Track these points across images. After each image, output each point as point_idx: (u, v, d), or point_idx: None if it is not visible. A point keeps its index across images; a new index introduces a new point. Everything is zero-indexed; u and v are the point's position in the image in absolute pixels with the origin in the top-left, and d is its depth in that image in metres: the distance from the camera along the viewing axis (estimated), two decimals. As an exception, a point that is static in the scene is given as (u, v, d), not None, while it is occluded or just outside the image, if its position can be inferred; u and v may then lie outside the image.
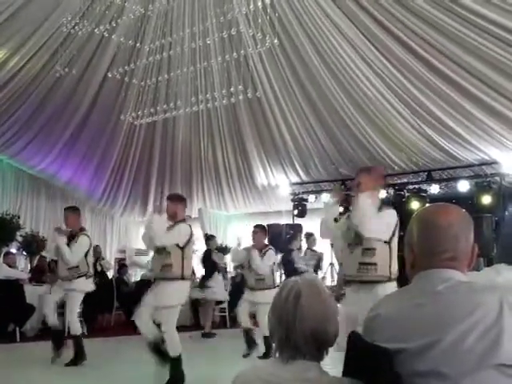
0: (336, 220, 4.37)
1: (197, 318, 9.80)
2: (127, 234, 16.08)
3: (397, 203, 10.06)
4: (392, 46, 8.25)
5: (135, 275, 12.75)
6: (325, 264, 10.25)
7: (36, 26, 8.99)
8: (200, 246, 10.03)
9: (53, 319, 6.48)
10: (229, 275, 11.16)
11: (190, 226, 5.56)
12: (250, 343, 7.06)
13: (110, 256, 14.43)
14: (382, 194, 9.78)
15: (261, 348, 6.99)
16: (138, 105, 10.34)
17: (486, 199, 9.76)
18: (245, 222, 13.12)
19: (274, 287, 7.05)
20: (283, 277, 9.61)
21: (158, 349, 5.37)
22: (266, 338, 6.84)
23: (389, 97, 9.18)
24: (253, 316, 10.15)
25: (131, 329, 9.48)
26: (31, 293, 8.32)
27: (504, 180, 9.87)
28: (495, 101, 8.19)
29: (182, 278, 5.36)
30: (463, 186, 10.28)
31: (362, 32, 8.33)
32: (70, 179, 13.85)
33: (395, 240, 4.12)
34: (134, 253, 13.69)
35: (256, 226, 7.36)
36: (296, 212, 12.53)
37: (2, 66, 9.63)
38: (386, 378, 1.32)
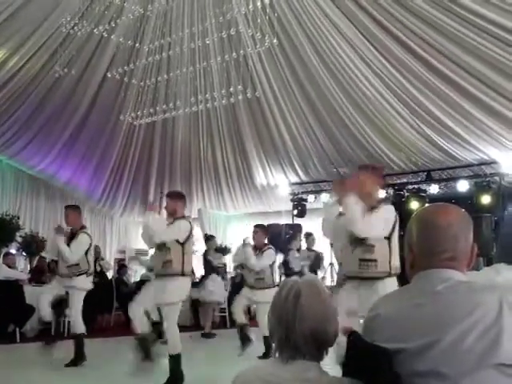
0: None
1: (197, 319, 9.80)
2: (127, 235, 16.07)
3: (396, 203, 10.05)
4: (391, 46, 8.25)
5: (135, 276, 12.74)
6: (325, 264, 10.25)
7: (35, 26, 8.98)
8: (200, 247, 10.03)
9: (45, 313, 6.49)
10: (229, 275, 11.15)
11: (190, 223, 5.56)
12: (244, 340, 7.04)
13: (110, 256, 14.43)
14: (382, 193, 9.78)
15: (260, 348, 6.98)
16: (137, 105, 10.34)
17: (486, 199, 9.76)
18: (244, 223, 13.13)
19: (274, 286, 7.05)
20: (283, 277, 9.60)
21: (145, 344, 5.36)
22: (265, 337, 6.84)
23: (388, 97, 9.18)
24: (248, 312, 10.20)
25: (130, 329, 9.51)
26: (31, 293, 8.31)
27: (503, 180, 9.87)
28: (494, 100, 8.20)
29: (183, 274, 5.36)
30: (462, 186, 10.29)
31: (361, 32, 8.33)
32: (69, 179, 13.83)
33: (395, 235, 4.10)
34: (133, 253, 13.70)
35: (256, 226, 7.37)
36: (295, 212, 12.53)
37: (1, 66, 9.62)
38: (386, 378, 1.32)
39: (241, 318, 7.25)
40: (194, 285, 9.08)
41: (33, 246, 11.34)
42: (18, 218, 11.90)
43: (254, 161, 12.35)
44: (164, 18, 9.26)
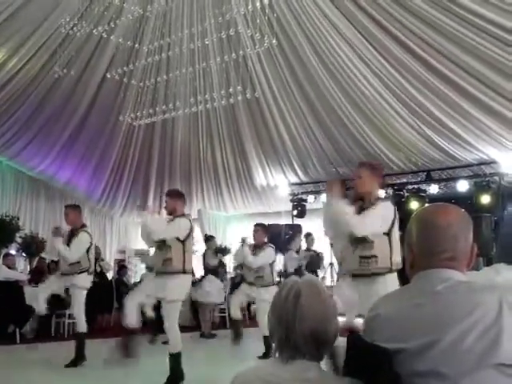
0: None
1: (197, 319, 9.79)
2: (127, 235, 16.07)
3: (396, 203, 10.04)
4: (390, 46, 8.25)
5: (135, 276, 12.75)
6: (325, 264, 10.26)
7: (35, 26, 8.98)
8: (200, 247, 10.04)
9: (41, 309, 6.50)
10: (228, 276, 11.15)
11: (190, 221, 5.56)
12: (237, 334, 7.05)
13: (110, 257, 14.43)
14: (381, 193, 9.79)
15: (260, 348, 6.98)
16: (136, 106, 10.35)
17: (485, 199, 9.76)
18: (244, 223, 13.13)
19: (273, 285, 7.06)
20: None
21: (129, 339, 5.36)
22: (265, 337, 6.84)
23: (387, 96, 9.18)
24: (248, 312, 10.19)
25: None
26: (31, 294, 8.30)
27: (503, 180, 9.87)
28: (493, 100, 8.20)
29: (184, 272, 5.36)
30: (462, 186, 10.29)
31: (360, 32, 8.33)
32: (69, 180, 13.84)
33: (395, 231, 4.09)
34: (133, 253, 13.70)
35: (257, 225, 7.39)
36: (295, 212, 12.53)
37: (1, 67, 9.62)
38: (386, 378, 1.32)
39: (236, 313, 7.27)
40: (192, 285, 9.09)
41: (33, 246, 11.33)
42: (18, 219, 11.89)
43: (253, 161, 12.35)
44: (163, 19, 9.26)
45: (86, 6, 8.59)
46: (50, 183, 14.06)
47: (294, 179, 12.54)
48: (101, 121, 11.66)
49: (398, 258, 4.05)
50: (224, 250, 11.99)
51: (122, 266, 12.05)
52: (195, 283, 9.28)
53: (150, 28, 9.46)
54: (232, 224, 14.88)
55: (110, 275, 11.44)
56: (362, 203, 4.20)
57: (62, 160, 13.00)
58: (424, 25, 7.66)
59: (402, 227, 3.80)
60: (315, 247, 9.88)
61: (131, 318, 5.37)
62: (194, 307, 9.73)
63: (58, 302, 8.08)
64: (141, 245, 11.03)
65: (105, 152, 12.79)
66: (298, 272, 8.77)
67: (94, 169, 13.36)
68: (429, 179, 10.76)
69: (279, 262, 9.08)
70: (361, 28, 8.27)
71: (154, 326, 6.15)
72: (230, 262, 11.59)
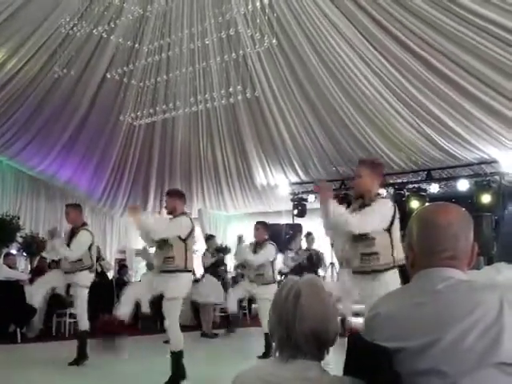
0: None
1: (198, 319, 9.80)
2: (127, 235, 16.06)
3: (397, 202, 10.03)
4: (390, 46, 8.25)
5: (135, 276, 12.75)
6: (326, 263, 10.24)
7: (35, 26, 8.98)
8: (200, 247, 10.04)
9: (35, 302, 6.52)
10: (229, 275, 11.16)
11: (191, 219, 5.56)
12: (231, 327, 7.00)
13: (110, 256, 14.43)
14: (383, 193, 9.79)
15: (261, 348, 6.99)
16: (137, 105, 10.35)
17: (486, 198, 9.76)
18: (245, 222, 13.12)
19: (274, 282, 7.06)
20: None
21: (114, 329, 5.38)
22: (266, 335, 6.83)
23: (387, 96, 9.18)
24: (249, 312, 10.17)
25: (132, 329, 9.51)
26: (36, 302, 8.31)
27: (503, 179, 9.87)
28: (494, 100, 8.19)
29: (186, 270, 5.37)
30: (463, 185, 10.29)
31: (361, 31, 8.33)
32: (69, 179, 13.84)
33: (396, 227, 4.09)
34: (134, 253, 13.70)
35: (258, 223, 7.41)
36: (296, 212, 12.52)
37: (1, 67, 9.62)
38: (386, 377, 1.32)
39: (233, 307, 7.29)
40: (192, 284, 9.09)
41: (33, 246, 11.35)
42: (19, 219, 11.91)
43: (253, 161, 12.35)
44: (163, 19, 9.26)
45: (86, 6, 8.59)
46: (51, 183, 14.06)
47: (295, 178, 12.53)
48: (101, 121, 11.67)
49: (400, 255, 4.04)
50: (224, 250, 11.99)
51: (122, 266, 12.05)
52: (194, 283, 9.27)
53: (150, 28, 9.46)
54: (232, 223, 14.88)
55: (110, 275, 11.44)
56: (363, 201, 4.21)
57: (62, 160, 13.00)
58: (424, 25, 7.66)
59: (403, 226, 3.81)
60: (316, 246, 9.87)
61: (124, 311, 5.40)
62: (195, 307, 9.73)
63: (59, 302, 8.10)
64: (141, 244, 11.02)
65: (105, 152, 12.79)
66: (294, 271, 8.76)
67: (94, 168, 13.37)
68: (429, 178, 10.76)
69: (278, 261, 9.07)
70: (361, 28, 8.27)
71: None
72: (230, 261, 11.58)
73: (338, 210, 3.97)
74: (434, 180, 10.75)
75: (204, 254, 9.75)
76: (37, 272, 10.19)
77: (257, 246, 7.14)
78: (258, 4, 7.77)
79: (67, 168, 13.38)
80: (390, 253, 4.04)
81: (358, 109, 9.74)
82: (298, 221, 12.34)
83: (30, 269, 11.19)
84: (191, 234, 5.44)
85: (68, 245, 6.39)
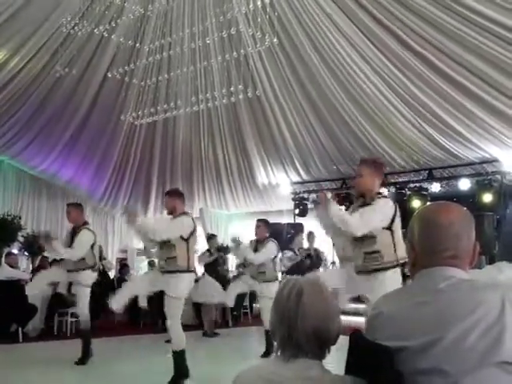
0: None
1: (199, 318, 9.79)
2: (129, 234, 16.07)
3: (398, 202, 10.02)
4: (391, 45, 8.25)
5: (137, 275, 12.74)
6: (327, 262, 10.25)
7: (36, 26, 8.99)
8: (201, 246, 10.03)
9: (32, 288, 6.56)
10: (231, 274, 11.15)
11: (193, 219, 5.56)
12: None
13: (112, 256, 14.45)
14: (384, 192, 9.78)
15: (262, 347, 6.98)
16: (138, 105, 10.35)
17: (487, 197, 9.76)
18: (246, 221, 13.12)
19: (276, 280, 7.05)
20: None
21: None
22: (267, 333, 6.82)
23: (389, 95, 9.18)
24: (251, 311, 10.16)
25: (133, 329, 9.53)
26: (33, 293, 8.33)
27: (505, 178, 9.86)
28: (496, 99, 8.19)
29: (188, 270, 5.37)
30: (464, 185, 10.28)
31: (361, 30, 8.33)
32: (70, 179, 13.86)
33: (397, 225, 4.09)
34: (135, 253, 13.70)
35: (259, 220, 7.39)
36: (297, 211, 12.52)
37: (2, 67, 9.63)
38: (387, 376, 1.32)
39: (231, 301, 7.30)
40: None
41: (35, 245, 11.37)
42: (20, 218, 11.93)
43: (255, 160, 12.36)
44: (164, 18, 9.26)
45: (87, 6, 8.60)
46: (52, 182, 14.08)
47: (296, 178, 12.53)
48: (102, 120, 11.68)
49: (402, 253, 4.02)
50: (226, 249, 11.99)
51: (123, 265, 12.06)
52: (194, 283, 9.26)
53: (151, 27, 9.46)
54: (234, 222, 14.89)
55: (112, 274, 11.45)
56: (363, 200, 4.20)
57: (63, 159, 13.02)
58: (425, 23, 7.65)
59: (404, 226, 3.80)
60: (317, 246, 9.87)
61: (118, 303, 5.42)
62: (197, 306, 9.72)
63: (60, 301, 8.11)
64: (142, 244, 11.02)
65: (106, 151, 12.81)
66: (292, 271, 8.75)
67: (95, 168, 13.38)
68: (431, 178, 10.76)
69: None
70: (362, 26, 8.26)
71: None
72: (232, 260, 11.58)
73: (337, 210, 3.97)
74: (436, 179, 10.75)
75: (203, 253, 9.73)
76: (38, 271, 10.21)
77: (258, 244, 7.13)
78: (258, 3, 7.77)
79: (69, 167, 13.40)
80: (392, 251, 4.03)
81: (359, 108, 9.73)
82: (299, 220, 12.33)
83: (31, 268, 11.21)
84: (193, 233, 5.44)
85: (70, 244, 6.39)
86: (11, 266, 8.82)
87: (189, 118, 11.54)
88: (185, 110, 9.98)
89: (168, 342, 5.70)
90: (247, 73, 9.60)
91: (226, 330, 9.63)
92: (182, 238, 5.31)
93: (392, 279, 3.90)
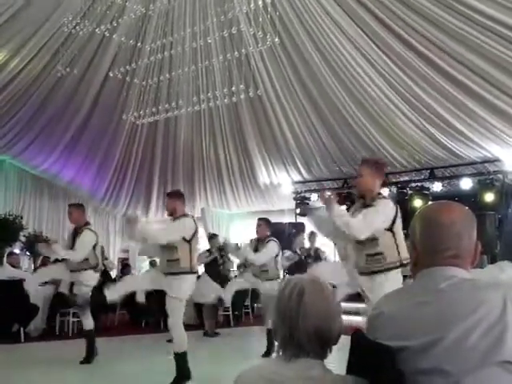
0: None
1: (201, 318, 9.79)
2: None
3: (400, 201, 10.05)
4: (393, 44, 8.24)
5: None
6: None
7: (37, 26, 9.00)
8: (203, 246, 10.02)
9: (30, 284, 6.57)
10: (232, 274, 11.14)
11: (195, 221, 5.55)
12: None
13: (113, 256, 14.46)
14: (385, 192, 9.78)
15: (263, 347, 6.98)
16: (139, 104, 10.35)
17: (489, 197, 9.75)
18: (247, 221, 13.12)
19: (278, 278, 7.05)
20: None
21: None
22: (269, 332, 6.82)
23: (390, 95, 9.17)
24: (252, 311, 10.14)
25: (135, 328, 9.54)
26: (35, 293, 8.32)
27: (507, 177, 9.86)
28: (498, 99, 8.18)
29: (191, 271, 5.37)
30: (466, 184, 10.27)
31: (363, 30, 8.32)
32: (72, 179, 13.87)
33: (398, 226, 4.08)
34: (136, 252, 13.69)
35: (260, 219, 7.38)
36: (298, 210, 12.52)
37: (2, 68, 9.64)
38: (389, 376, 1.32)
39: (228, 299, 7.31)
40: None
41: (36, 245, 11.38)
42: (22, 218, 11.95)
43: (256, 159, 12.36)
44: (166, 18, 9.26)
45: (88, 5, 8.60)
46: (54, 182, 14.09)
47: (297, 177, 12.53)
48: (104, 120, 11.68)
49: (405, 253, 4.01)
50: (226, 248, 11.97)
51: (125, 265, 12.07)
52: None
53: (152, 27, 9.46)
54: (235, 222, 14.89)
55: (113, 274, 11.46)
56: (363, 201, 4.19)
57: (65, 159, 13.03)
58: (427, 23, 7.65)
59: (406, 225, 3.79)
60: (319, 245, 9.86)
61: (113, 295, 5.45)
62: (198, 306, 9.72)
63: (62, 301, 8.11)
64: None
65: (108, 151, 12.82)
66: (291, 270, 8.74)
67: (97, 168, 13.39)
68: (432, 177, 10.75)
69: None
70: (363, 26, 8.26)
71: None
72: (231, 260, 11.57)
73: (340, 212, 3.96)
74: (437, 179, 10.74)
75: (202, 253, 9.71)
76: (40, 271, 10.22)
77: (259, 243, 7.12)
78: (260, 2, 7.77)
79: (70, 168, 13.41)
80: (394, 252, 4.02)
81: (360, 107, 9.73)
82: (300, 219, 12.33)
83: (33, 268, 11.21)
84: (195, 234, 5.44)
85: (72, 245, 6.40)
86: (13, 266, 8.84)
87: (190, 117, 11.54)
88: (186, 109, 9.98)
89: (170, 341, 5.70)
90: (248, 72, 9.60)
91: (228, 330, 9.63)
92: (184, 239, 5.30)
93: (393, 280, 3.89)
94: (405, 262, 3.98)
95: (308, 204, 12.40)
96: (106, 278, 9.89)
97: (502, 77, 7.81)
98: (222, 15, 8.45)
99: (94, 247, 6.48)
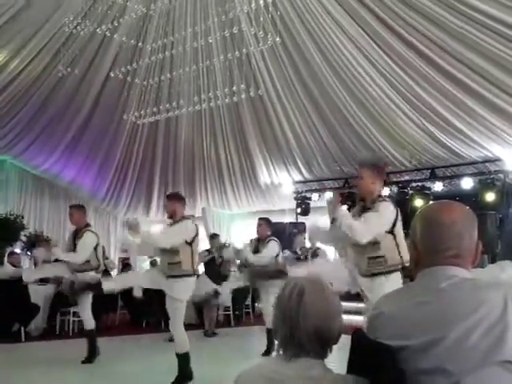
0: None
1: (201, 318, 9.79)
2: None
3: (400, 201, 10.05)
4: (394, 43, 8.24)
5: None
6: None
7: (37, 27, 9.00)
8: (204, 246, 10.02)
9: (29, 277, 6.60)
10: (232, 274, 11.14)
11: (196, 225, 5.55)
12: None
13: (114, 255, 14.46)
14: (386, 191, 9.78)
15: (263, 346, 6.98)
16: (140, 104, 10.35)
17: (490, 196, 9.74)
18: (248, 221, 13.12)
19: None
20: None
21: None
22: (269, 331, 6.82)
23: (391, 94, 9.17)
24: (253, 311, 10.12)
25: (135, 328, 9.54)
26: (35, 292, 8.34)
27: (508, 177, 9.85)
28: (497, 97, 8.17)
29: (193, 274, 5.37)
30: (467, 184, 10.26)
31: (364, 29, 8.32)
32: (73, 179, 13.87)
33: (398, 228, 4.08)
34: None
35: (260, 219, 7.38)
36: (299, 210, 12.52)
37: (3, 68, 9.65)
38: (390, 376, 1.32)
39: (226, 293, 7.32)
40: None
41: (37, 245, 11.38)
42: (23, 218, 11.95)
43: (257, 159, 12.35)
44: (167, 17, 9.26)
45: (89, 5, 8.61)
46: (55, 182, 14.09)
47: (298, 177, 12.53)
48: (105, 120, 11.69)
49: (407, 256, 4.01)
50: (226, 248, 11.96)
51: (126, 265, 12.05)
52: None
53: (153, 26, 9.46)
54: (236, 222, 14.89)
55: (114, 273, 11.46)
56: (363, 204, 4.20)
57: (66, 159, 13.03)
58: (428, 22, 7.64)
59: (407, 225, 3.78)
60: (320, 245, 9.85)
61: (109, 287, 5.48)
62: (198, 306, 9.72)
63: (63, 300, 8.11)
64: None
65: (109, 151, 12.82)
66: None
67: (98, 168, 13.39)
68: (433, 177, 10.75)
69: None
70: (364, 26, 8.26)
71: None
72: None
73: (346, 215, 3.97)
74: (438, 178, 10.74)
75: (201, 252, 9.71)
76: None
77: (259, 243, 7.12)
78: (261, 2, 7.77)
79: (71, 168, 13.42)
80: (396, 255, 4.03)
81: (361, 107, 9.73)
82: (301, 219, 12.33)
83: (34, 268, 11.21)
84: (196, 237, 5.44)
85: (73, 247, 6.40)
86: (14, 266, 8.83)
87: (191, 117, 11.54)
88: (187, 109, 9.98)
89: (171, 340, 5.70)
90: (249, 72, 9.59)
91: (228, 330, 9.63)
92: (186, 242, 5.31)
93: (393, 281, 3.89)
94: (406, 264, 3.99)
95: (308, 204, 12.42)
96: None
97: (501, 75, 7.81)
98: (222, 15, 8.44)
99: (95, 249, 6.48)
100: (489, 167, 10.02)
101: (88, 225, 6.69)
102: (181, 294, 5.31)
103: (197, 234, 5.45)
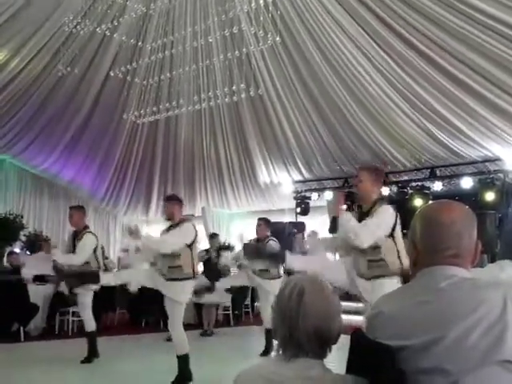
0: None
1: (200, 317, 9.79)
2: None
3: (400, 200, 10.05)
4: (394, 43, 8.23)
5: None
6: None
7: (37, 26, 8.99)
8: (204, 245, 10.02)
9: (27, 273, 6.63)
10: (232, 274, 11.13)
11: (195, 226, 5.55)
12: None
13: (114, 255, 14.45)
14: (385, 191, 9.78)
15: (262, 346, 6.98)
16: (140, 103, 10.35)
17: (490, 196, 9.73)
18: (247, 220, 13.11)
19: (279, 277, 7.05)
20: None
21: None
22: (267, 332, 6.82)
23: (391, 94, 9.16)
24: (252, 310, 10.12)
25: (135, 328, 9.54)
26: (35, 292, 8.34)
27: (507, 177, 9.84)
28: (499, 98, 8.16)
29: (194, 277, 5.37)
30: (466, 183, 10.25)
31: (364, 29, 8.31)
32: (72, 178, 13.87)
33: (397, 231, 4.08)
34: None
35: (260, 219, 7.40)
36: (299, 210, 12.51)
37: (3, 67, 9.64)
38: (389, 375, 1.32)
39: (222, 288, 7.32)
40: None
41: (36, 244, 11.39)
42: (22, 217, 11.96)
43: (257, 159, 12.35)
44: (167, 17, 9.26)
45: (89, 5, 8.60)
46: (54, 181, 14.09)
47: (298, 177, 12.52)
48: (104, 119, 11.68)
49: (406, 260, 4.01)
50: (227, 248, 11.97)
51: (125, 265, 12.04)
52: None
53: (153, 26, 9.46)
54: (235, 221, 14.88)
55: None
56: (361, 211, 4.21)
57: (65, 159, 13.03)
58: (428, 22, 7.63)
59: (406, 225, 3.78)
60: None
61: (106, 280, 5.62)
62: (198, 305, 9.71)
63: (62, 300, 8.12)
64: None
65: (109, 150, 12.81)
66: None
67: (97, 167, 13.39)
68: (433, 176, 10.74)
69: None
70: (364, 25, 8.25)
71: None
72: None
73: (350, 218, 3.98)
74: (438, 178, 10.72)
75: (200, 252, 9.71)
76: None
77: (258, 243, 7.13)
78: (261, 2, 7.77)
79: (70, 167, 13.41)
80: (396, 258, 4.04)
81: (361, 106, 9.72)
82: (301, 219, 12.32)
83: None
84: (195, 239, 5.44)
85: (72, 248, 6.40)
86: (13, 265, 8.83)
87: (191, 116, 11.54)
88: (187, 108, 9.97)
89: (169, 340, 5.70)
90: (249, 72, 9.59)
91: (228, 329, 9.63)
92: (186, 245, 5.30)
93: (392, 284, 3.89)
94: (406, 267, 3.99)
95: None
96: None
97: (502, 76, 7.80)
98: (222, 14, 8.44)
99: (95, 250, 6.48)
100: (488, 167, 10.01)
101: (86, 227, 6.68)
102: (180, 296, 5.31)
103: (196, 236, 5.45)
